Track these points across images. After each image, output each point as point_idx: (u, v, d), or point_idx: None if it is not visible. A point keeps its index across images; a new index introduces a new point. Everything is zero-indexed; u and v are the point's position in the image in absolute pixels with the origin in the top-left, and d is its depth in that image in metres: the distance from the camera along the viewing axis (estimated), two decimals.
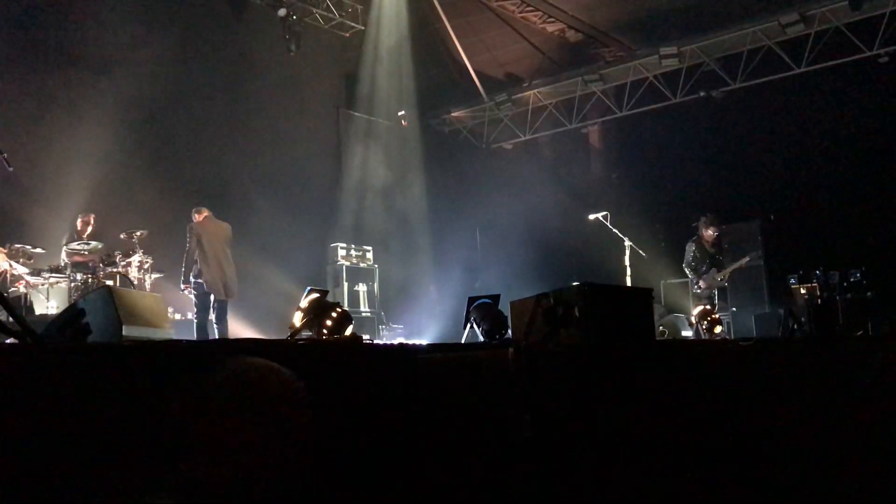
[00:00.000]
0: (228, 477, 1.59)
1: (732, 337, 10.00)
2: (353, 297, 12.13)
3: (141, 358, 3.10)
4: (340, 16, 13.10)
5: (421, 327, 12.37)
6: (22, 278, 8.39)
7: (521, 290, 5.56)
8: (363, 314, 11.96)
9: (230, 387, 1.63)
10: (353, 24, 13.33)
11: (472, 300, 6.35)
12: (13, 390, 2.56)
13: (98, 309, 4.84)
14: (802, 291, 10.76)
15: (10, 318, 4.55)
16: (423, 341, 9.38)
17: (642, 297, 5.05)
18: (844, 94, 12.26)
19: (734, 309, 11.28)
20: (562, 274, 11.62)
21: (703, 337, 8.90)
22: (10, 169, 6.22)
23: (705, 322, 8.94)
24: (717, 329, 9.00)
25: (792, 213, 12.21)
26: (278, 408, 1.64)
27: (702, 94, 13.24)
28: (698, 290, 10.21)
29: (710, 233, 10.24)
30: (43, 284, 8.62)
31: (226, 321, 9.04)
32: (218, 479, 1.59)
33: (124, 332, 4.78)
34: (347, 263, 12.28)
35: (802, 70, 12.29)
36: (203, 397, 1.63)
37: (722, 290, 10.67)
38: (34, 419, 2.57)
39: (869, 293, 10.12)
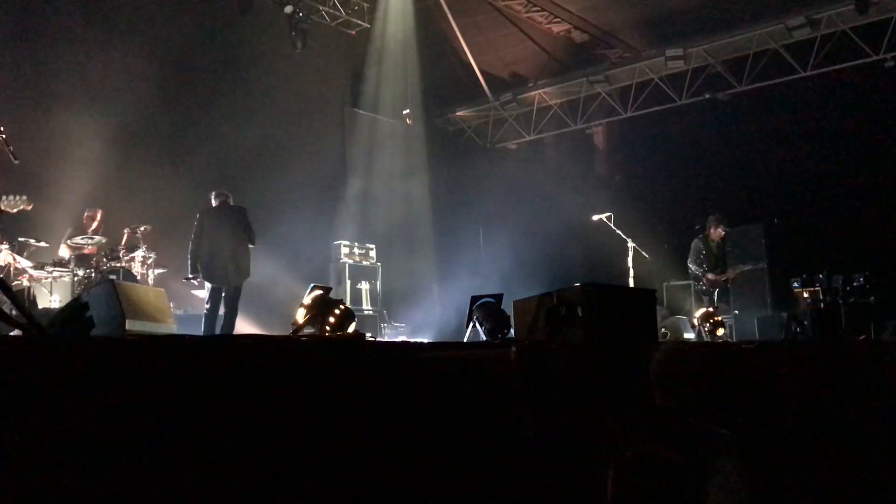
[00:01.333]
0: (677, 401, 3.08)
1: (735, 340, 9.99)
2: (356, 294, 12.11)
3: (144, 352, 3.11)
4: (346, 14, 13.09)
5: (423, 326, 12.36)
6: (25, 272, 8.40)
7: (524, 289, 5.56)
8: (365, 312, 11.94)
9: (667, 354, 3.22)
10: (359, 22, 13.33)
11: (474, 299, 6.36)
12: (19, 381, 2.57)
13: (102, 303, 4.86)
14: (805, 295, 10.74)
15: (14, 311, 4.57)
16: (425, 340, 9.38)
17: (645, 298, 5.06)
18: (850, 98, 12.25)
19: (737, 312, 11.24)
20: (565, 274, 11.62)
21: (705, 339, 8.89)
22: (16, 162, 6.23)
23: (708, 324, 8.93)
24: (720, 332, 8.99)
25: (796, 217, 12.18)
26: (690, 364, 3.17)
27: (707, 96, 13.22)
28: (703, 287, 10.20)
29: (718, 232, 10.25)
30: (46, 278, 8.63)
31: (232, 314, 8.87)
32: (672, 402, 3.10)
33: (127, 327, 4.81)
34: (350, 261, 12.28)
35: (808, 73, 12.26)
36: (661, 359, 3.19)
37: (724, 293, 10.65)
38: (38, 410, 2.58)
39: (872, 298, 10.11)
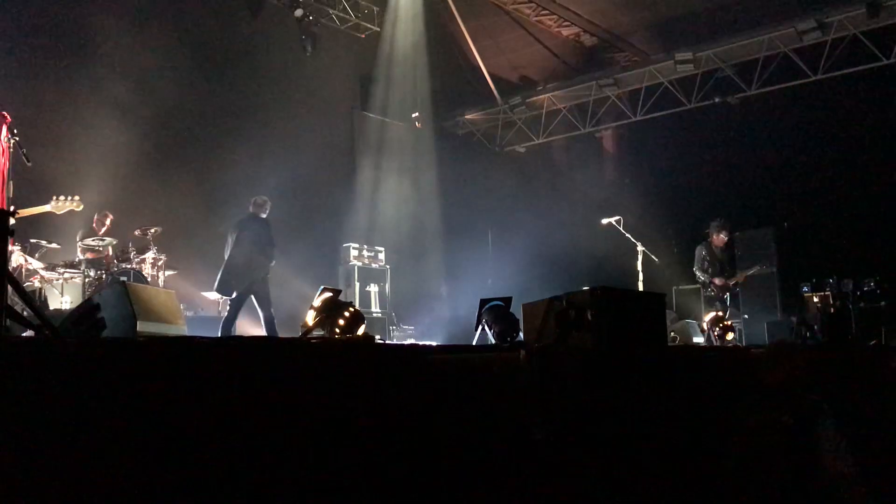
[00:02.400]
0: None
1: (744, 344, 9.96)
2: (365, 297, 12.13)
3: (155, 353, 3.13)
4: (356, 17, 13.14)
5: (432, 329, 12.35)
6: (37, 273, 8.45)
7: (534, 293, 5.56)
8: (374, 315, 11.96)
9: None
10: (368, 25, 13.37)
11: (484, 302, 6.35)
12: (31, 382, 2.59)
13: (113, 304, 4.89)
14: (815, 300, 10.70)
15: (26, 312, 4.60)
16: (434, 343, 9.38)
17: (655, 301, 5.04)
18: (860, 102, 12.19)
19: (746, 316, 11.22)
20: (574, 277, 11.60)
21: (714, 343, 8.87)
22: (29, 164, 6.27)
23: (717, 328, 8.89)
24: (729, 336, 8.96)
25: (805, 221, 12.14)
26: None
27: (717, 100, 13.19)
28: (711, 293, 10.13)
29: (720, 237, 10.18)
30: (57, 279, 8.67)
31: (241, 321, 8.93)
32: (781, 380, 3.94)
33: (139, 328, 4.83)
34: (360, 264, 12.30)
35: (818, 77, 12.22)
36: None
37: (734, 298, 10.61)
38: (51, 410, 2.60)
39: (883, 302, 10.06)
